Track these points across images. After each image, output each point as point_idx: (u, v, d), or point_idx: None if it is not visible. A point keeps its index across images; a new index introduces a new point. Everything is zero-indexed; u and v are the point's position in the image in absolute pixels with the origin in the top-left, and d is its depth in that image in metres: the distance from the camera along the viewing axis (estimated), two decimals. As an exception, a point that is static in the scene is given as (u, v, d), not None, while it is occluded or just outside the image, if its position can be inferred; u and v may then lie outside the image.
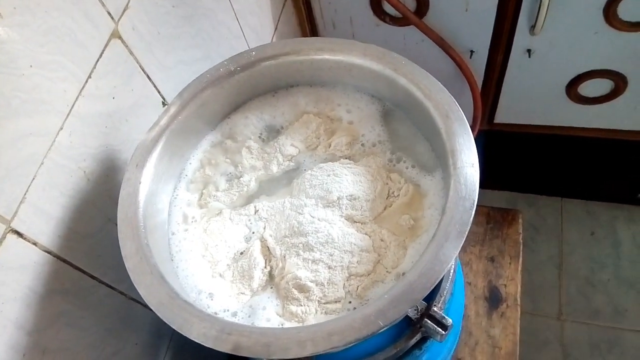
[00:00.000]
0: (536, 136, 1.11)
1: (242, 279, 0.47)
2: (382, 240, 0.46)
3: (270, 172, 0.53)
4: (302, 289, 0.44)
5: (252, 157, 0.54)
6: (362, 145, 0.53)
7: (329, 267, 0.45)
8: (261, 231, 0.49)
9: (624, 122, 1.01)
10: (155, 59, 0.58)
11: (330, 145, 0.54)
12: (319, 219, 0.47)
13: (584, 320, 1.20)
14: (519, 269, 0.85)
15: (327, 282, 0.44)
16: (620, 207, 1.30)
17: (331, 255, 0.45)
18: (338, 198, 0.48)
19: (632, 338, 1.17)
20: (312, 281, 0.44)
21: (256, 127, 0.56)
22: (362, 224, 0.47)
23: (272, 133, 0.56)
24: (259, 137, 0.56)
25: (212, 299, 0.45)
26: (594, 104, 0.98)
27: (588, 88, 0.95)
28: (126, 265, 0.42)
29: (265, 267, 0.47)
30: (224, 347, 0.37)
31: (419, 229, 0.46)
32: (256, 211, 0.50)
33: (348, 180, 0.48)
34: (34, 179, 0.43)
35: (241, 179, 0.53)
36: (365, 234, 0.47)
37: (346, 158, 0.53)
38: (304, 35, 1.02)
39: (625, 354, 1.15)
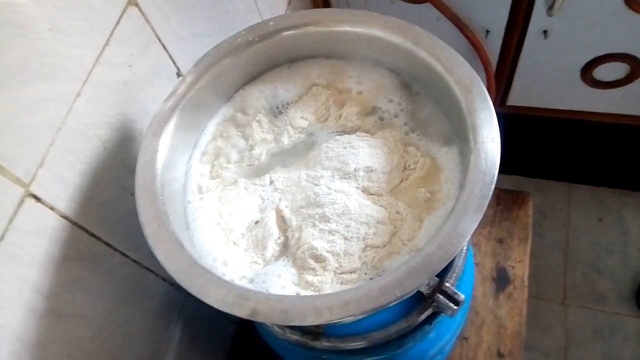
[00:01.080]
0: (548, 120, 1.10)
1: (256, 248, 0.47)
2: (398, 212, 0.46)
3: (281, 145, 0.53)
4: (318, 259, 0.44)
5: (263, 131, 0.54)
6: (380, 118, 0.53)
7: (345, 238, 0.45)
8: (277, 202, 0.49)
9: (638, 107, 1.00)
10: (170, 29, 0.57)
11: (340, 117, 0.53)
12: (335, 191, 0.47)
13: (588, 306, 1.21)
14: (528, 251, 0.85)
15: (343, 253, 0.44)
16: (629, 194, 1.29)
17: (347, 227, 0.45)
18: (354, 170, 0.48)
19: (636, 324, 1.17)
20: (328, 251, 0.44)
21: (268, 100, 0.56)
22: (378, 196, 0.47)
23: (283, 106, 0.56)
24: (270, 110, 0.56)
25: (226, 266, 0.45)
26: (608, 88, 0.97)
27: (603, 72, 0.94)
28: (144, 232, 0.42)
29: (279, 238, 0.47)
30: (242, 313, 0.37)
31: (435, 202, 0.46)
32: (271, 182, 0.50)
33: (365, 153, 0.48)
34: (51, 144, 0.43)
35: (252, 151, 0.53)
36: (381, 206, 0.47)
37: (360, 130, 0.52)
38: (317, 11, 1.01)
39: (628, 340, 1.16)
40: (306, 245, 0.45)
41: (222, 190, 0.51)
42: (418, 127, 0.51)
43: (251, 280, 0.44)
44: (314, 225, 0.46)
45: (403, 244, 0.44)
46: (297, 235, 0.47)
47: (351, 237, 0.45)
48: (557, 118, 1.08)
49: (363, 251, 0.45)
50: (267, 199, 0.50)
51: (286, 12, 0.88)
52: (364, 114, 0.53)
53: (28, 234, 0.42)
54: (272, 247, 0.47)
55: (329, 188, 0.47)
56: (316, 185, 0.47)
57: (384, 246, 0.45)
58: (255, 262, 0.47)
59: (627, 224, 1.27)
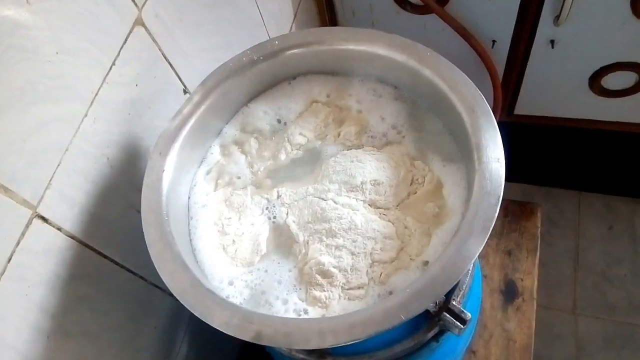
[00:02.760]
0: (556, 128, 1.10)
1: (243, 259, 0.48)
2: (406, 227, 0.46)
3: (279, 161, 0.53)
4: (326, 274, 0.44)
5: (261, 147, 0.54)
6: (382, 135, 0.53)
7: (352, 254, 0.45)
8: (284, 217, 0.49)
9: (648, 115, 0.99)
10: (177, 47, 0.58)
11: (339, 135, 0.54)
12: (342, 205, 0.47)
13: (599, 315, 1.19)
14: (536, 263, 0.85)
15: (351, 268, 0.44)
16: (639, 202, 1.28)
17: (354, 242, 0.45)
18: (362, 183, 0.48)
19: (648, 334, 1.16)
20: (335, 267, 0.44)
21: (270, 118, 0.56)
22: (385, 209, 0.47)
23: (283, 123, 0.56)
24: (270, 127, 0.56)
25: (233, 285, 0.46)
26: (616, 97, 0.96)
27: (611, 80, 0.93)
28: (150, 252, 0.42)
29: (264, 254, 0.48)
30: (246, 336, 0.37)
31: (443, 217, 0.46)
32: (279, 196, 0.50)
33: (372, 166, 0.48)
34: (59, 165, 0.44)
35: (252, 168, 0.54)
36: (389, 220, 0.47)
37: (364, 146, 0.52)
38: (323, 23, 1.01)
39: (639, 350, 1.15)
40: (313, 260, 0.45)
41: (230, 193, 0.51)
42: (422, 143, 0.51)
43: (249, 291, 0.45)
44: (321, 241, 0.46)
45: (411, 259, 0.44)
46: (304, 250, 0.47)
47: (358, 253, 0.45)
48: (566, 127, 1.08)
49: (370, 267, 0.45)
50: (272, 213, 0.50)
51: (292, 25, 0.88)
52: (363, 133, 0.53)
53: (35, 254, 0.43)
54: (257, 260, 0.48)
55: (336, 203, 0.47)
56: (323, 199, 0.48)
57: (392, 262, 0.45)
58: (240, 269, 0.48)
59: (637, 232, 1.26)
